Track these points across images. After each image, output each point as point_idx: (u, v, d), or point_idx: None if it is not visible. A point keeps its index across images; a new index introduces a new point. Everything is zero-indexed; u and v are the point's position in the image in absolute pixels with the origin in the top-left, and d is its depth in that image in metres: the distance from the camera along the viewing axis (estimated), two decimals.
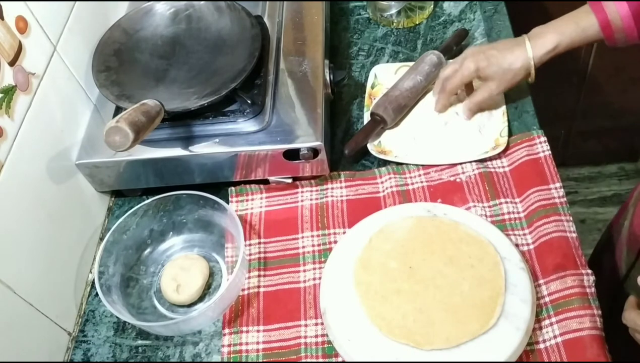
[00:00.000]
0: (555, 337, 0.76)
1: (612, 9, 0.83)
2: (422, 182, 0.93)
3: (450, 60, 0.98)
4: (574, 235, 0.83)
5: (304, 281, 0.85)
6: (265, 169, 0.92)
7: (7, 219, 0.76)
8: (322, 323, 0.80)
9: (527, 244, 0.84)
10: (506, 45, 0.91)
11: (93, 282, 0.86)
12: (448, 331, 0.74)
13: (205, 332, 0.84)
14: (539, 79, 0.91)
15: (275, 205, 0.94)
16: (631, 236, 0.92)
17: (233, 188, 0.95)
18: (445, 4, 1.17)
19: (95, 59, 0.95)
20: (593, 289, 0.79)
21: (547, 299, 0.79)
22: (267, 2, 1.06)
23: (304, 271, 0.86)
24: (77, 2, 0.95)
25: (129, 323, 0.85)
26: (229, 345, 0.81)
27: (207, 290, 0.87)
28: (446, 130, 0.97)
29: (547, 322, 0.77)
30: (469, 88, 0.97)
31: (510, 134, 0.95)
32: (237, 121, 0.90)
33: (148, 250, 0.91)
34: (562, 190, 0.87)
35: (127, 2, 1.11)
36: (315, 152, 0.88)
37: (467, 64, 0.92)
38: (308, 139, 0.88)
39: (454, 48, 1.07)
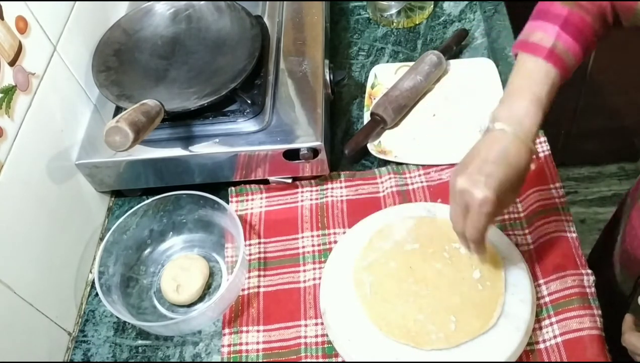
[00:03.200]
0: (555, 337, 0.76)
1: (560, 48, 0.69)
2: (422, 182, 0.93)
3: (446, 207, 0.73)
4: (574, 235, 0.83)
5: (304, 281, 0.85)
6: (265, 168, 0.92)
7: (7, 219, 0.76)
8: (322, 323, 0.80)
9: (527, 244, 0.84)
10: (491, 148, 0.69)
11: (93, 282, 0.86)
12: (448, 331, 0.74)
13: (205, 332, 0.84)
14: None
15: (275, 205, 0.94)
16: (624, 254, 0.90)
17: (233, 188, 0.95)
18: (445, 4, 1.17)
19: (95, 59, 0.95)
20: (593, 289, 0.79)
21: (547, 299, 0.79)
22: (267, 2, 1.06)
23: (304, 271, 0.86)
24: (77, 2, 0.95)
25: (129, 323, 0.85)
26: (229, 345, 0.81)
27: (207, 290, 0.87)
28: (446, 130, 0.97)
29: (547, 322, 0.77)
30: None
31: None
32: (237, 121, 0.90)
33: (148, 250, 0.91)
34: (562, 190, 0.87)
35: (127, 2, 1.11)
36: (315, 152, 0.88)
37: (477, 196, 0.66)
38: (308, 139, 0.88)
39: (454, 48, 1.07)
